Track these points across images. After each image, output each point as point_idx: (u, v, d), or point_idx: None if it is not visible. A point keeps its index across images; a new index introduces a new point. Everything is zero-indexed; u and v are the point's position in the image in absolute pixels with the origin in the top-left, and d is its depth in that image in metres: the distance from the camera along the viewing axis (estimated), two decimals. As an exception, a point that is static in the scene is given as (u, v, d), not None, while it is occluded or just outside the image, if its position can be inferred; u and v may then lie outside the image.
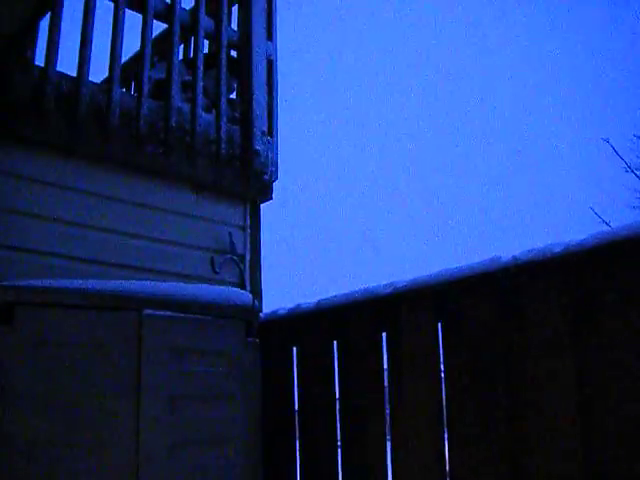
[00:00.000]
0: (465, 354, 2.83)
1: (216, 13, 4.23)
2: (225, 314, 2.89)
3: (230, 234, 3.88)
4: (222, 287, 3.13)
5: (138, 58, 4.00)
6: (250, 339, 2.92)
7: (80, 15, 3.82)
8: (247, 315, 2.93)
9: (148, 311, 2.81)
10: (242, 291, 3.02)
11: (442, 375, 2.96)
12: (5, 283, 2.75)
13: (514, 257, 2.90)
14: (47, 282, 2.79)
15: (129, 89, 4.67)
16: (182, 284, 3.05)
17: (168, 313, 2.83)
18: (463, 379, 2.82)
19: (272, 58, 4.35)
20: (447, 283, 3.06)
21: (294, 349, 3.52)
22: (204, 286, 3.14)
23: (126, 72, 4.35)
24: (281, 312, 3.57)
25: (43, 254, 3.38)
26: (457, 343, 2.88)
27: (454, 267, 3.16)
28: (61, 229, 3.47)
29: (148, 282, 2.97)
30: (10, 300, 2.64)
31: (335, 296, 3.44)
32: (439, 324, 2.98)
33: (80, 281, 2.84)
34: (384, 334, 3.20)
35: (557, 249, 2.77)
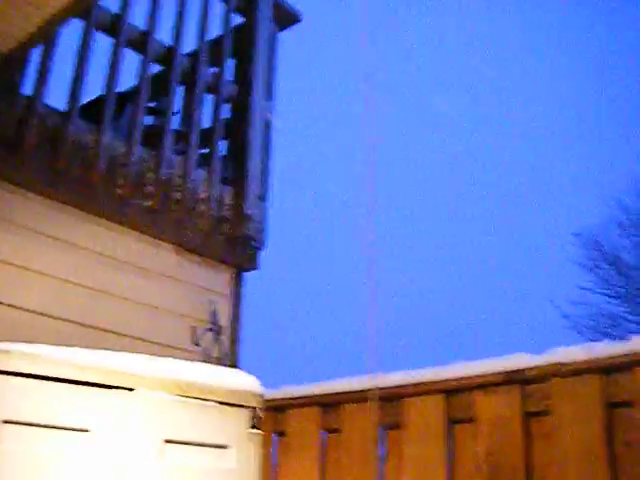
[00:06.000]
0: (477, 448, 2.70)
1: (217, 66, 3.99)
2: (229, 401, 2.56)
3: (213, 302, 3.55)
4: (226, 369, 2.80)
5: (132, 100, 3.68)
6: (254, 429, 2.59)
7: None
8: (253, 402, 2.61)
9: (142, 391, 2.45)
10: (247, 375, 2.69)
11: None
12: None
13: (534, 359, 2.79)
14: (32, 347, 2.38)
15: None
16: (180, 361, 2.70)
17: (164, 395, 2.47)
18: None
19: (270, 119, 4.13)
20: (454, 379, 2.97)
21: (276, 436, 3.33)
22: (205, 366, 2.80)
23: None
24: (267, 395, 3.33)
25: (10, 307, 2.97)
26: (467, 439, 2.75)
27: (465, 363, 3.06)
28: (34, 280, 3.07)
29: (142, 357, 2.60)
30: None
31: (316, 384, 3.32)
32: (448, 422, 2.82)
33: (68, 349, 2.45)
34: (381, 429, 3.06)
35: (581, 355, 2.69)
